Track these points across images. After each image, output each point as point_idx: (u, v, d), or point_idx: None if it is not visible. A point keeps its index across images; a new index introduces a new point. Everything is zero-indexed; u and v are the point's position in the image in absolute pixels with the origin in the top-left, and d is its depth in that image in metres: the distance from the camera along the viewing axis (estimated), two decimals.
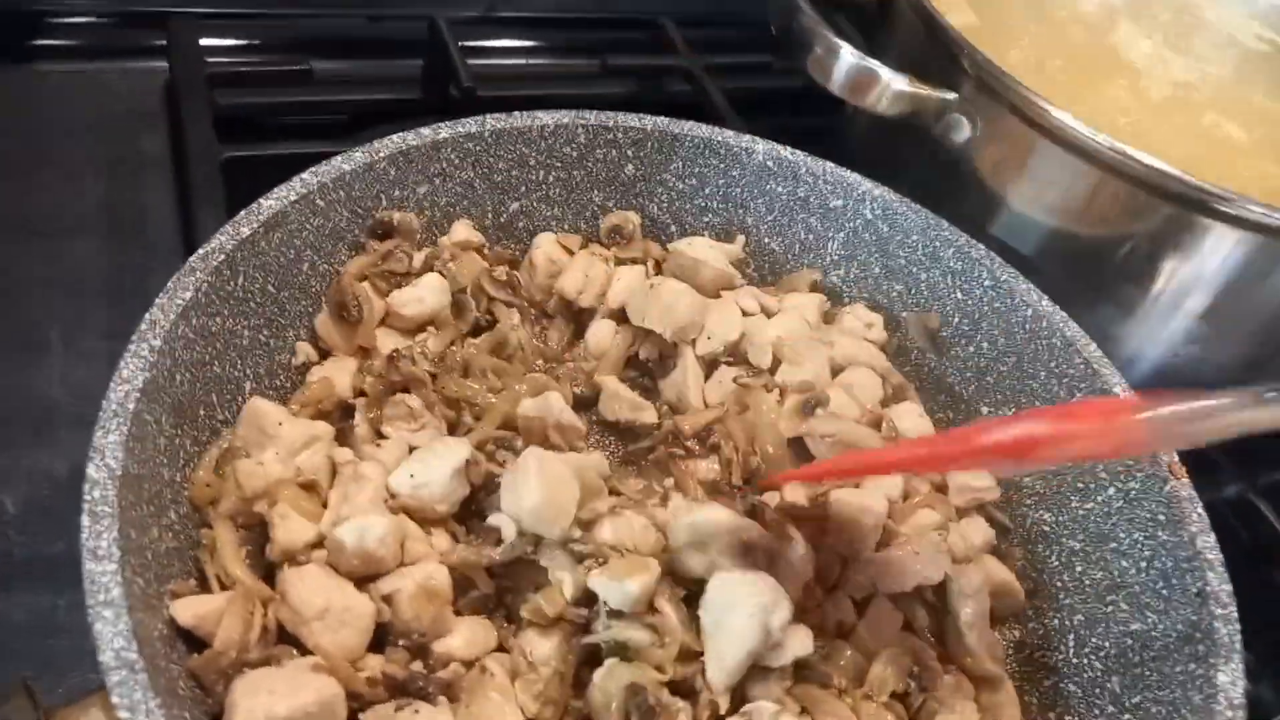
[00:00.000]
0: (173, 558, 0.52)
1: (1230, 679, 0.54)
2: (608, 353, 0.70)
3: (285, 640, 0.52)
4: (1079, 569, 0.67)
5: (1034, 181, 0.82)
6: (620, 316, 0.71)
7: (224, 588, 0.53)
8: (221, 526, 0.55)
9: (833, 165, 0.79)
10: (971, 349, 0.76)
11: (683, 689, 0.52)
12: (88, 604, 0.44)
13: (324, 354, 0.67)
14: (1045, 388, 0.72)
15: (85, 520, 0.46)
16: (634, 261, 0.74)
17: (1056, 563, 0.69)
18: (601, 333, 0.70)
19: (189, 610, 0.50)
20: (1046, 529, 0.70)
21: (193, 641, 0.50)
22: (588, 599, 0.54)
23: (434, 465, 0.56)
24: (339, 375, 0.64)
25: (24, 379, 0.88)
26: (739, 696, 0.53)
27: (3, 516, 0.79)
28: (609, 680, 0.51)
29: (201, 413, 0.58)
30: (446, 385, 0.64)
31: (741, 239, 0.80)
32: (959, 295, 0.76)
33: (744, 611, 0.51)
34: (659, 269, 0.75)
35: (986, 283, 0.75)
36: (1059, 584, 0.68)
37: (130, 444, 0.49)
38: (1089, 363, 0.69)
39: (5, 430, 0.85)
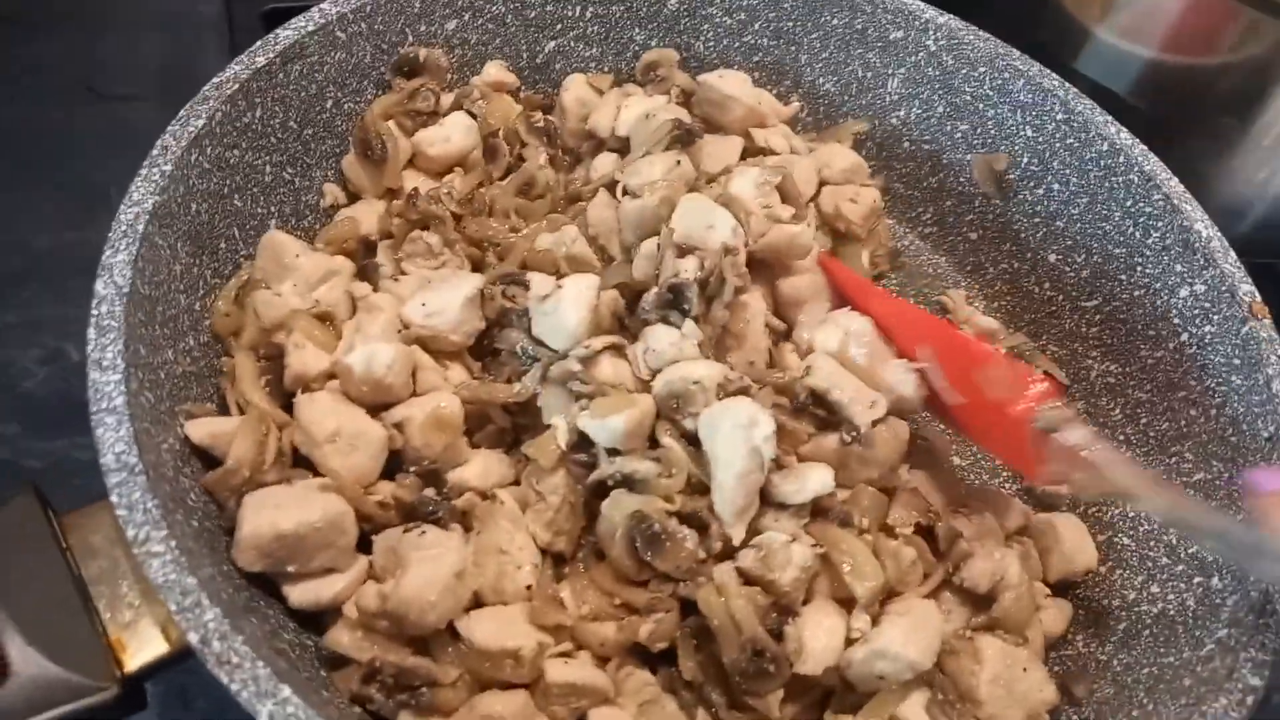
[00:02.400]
0: (190, 381, 0.53)
1: None
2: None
3: (300, 466, 0.53)
4: (1144, 420, 0.62)
5: (1130, 4, 0.74)
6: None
7: (243, 414, 0.53)
8: (242, 355, 0.55)
9: None
10: (1040, 191, 0.70)
11: (694, 522, 0.50)
12: (91, 411, 0.44)
13: (353, 197, 0.66)
14: (1119, 230, 0.66)
15: (91, 333, 0.46)
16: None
17: (1120, 415, 0.64)
18: (604, 165, 0.66)
19: (204, 429, 0.50)
20: (1112, 380, 0.65)
21: (211, 463, 0.51)
22: (587, 441, 0.52)
23: (446, 295, 0.55)
24: (365, 215, 0.63)
25: (84, 233, 0.91)
26: (753, 532, 0.51)
27: (68, 363, 0.83)
28: (614, 509, 0.50)
29: (223, 245, 0.58)
30: (469, 225, 0.62)
31: (796, 104, 0.75)
32: (1029, 132, 0.70)
33: (724, 435, 0.49)
34: (687, 103, 0.70)
35: (1059, 116, 0.68)
36: (1121, 437, 0.63)
37: (140, 265, 0.50)
38: (1169, 198, 0.63)
39: (71, 281, 0.89)
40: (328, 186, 0.65)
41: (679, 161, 0.59)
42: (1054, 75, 0.69)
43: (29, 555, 0.41)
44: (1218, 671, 0.46)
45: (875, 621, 0.50)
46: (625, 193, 0.59)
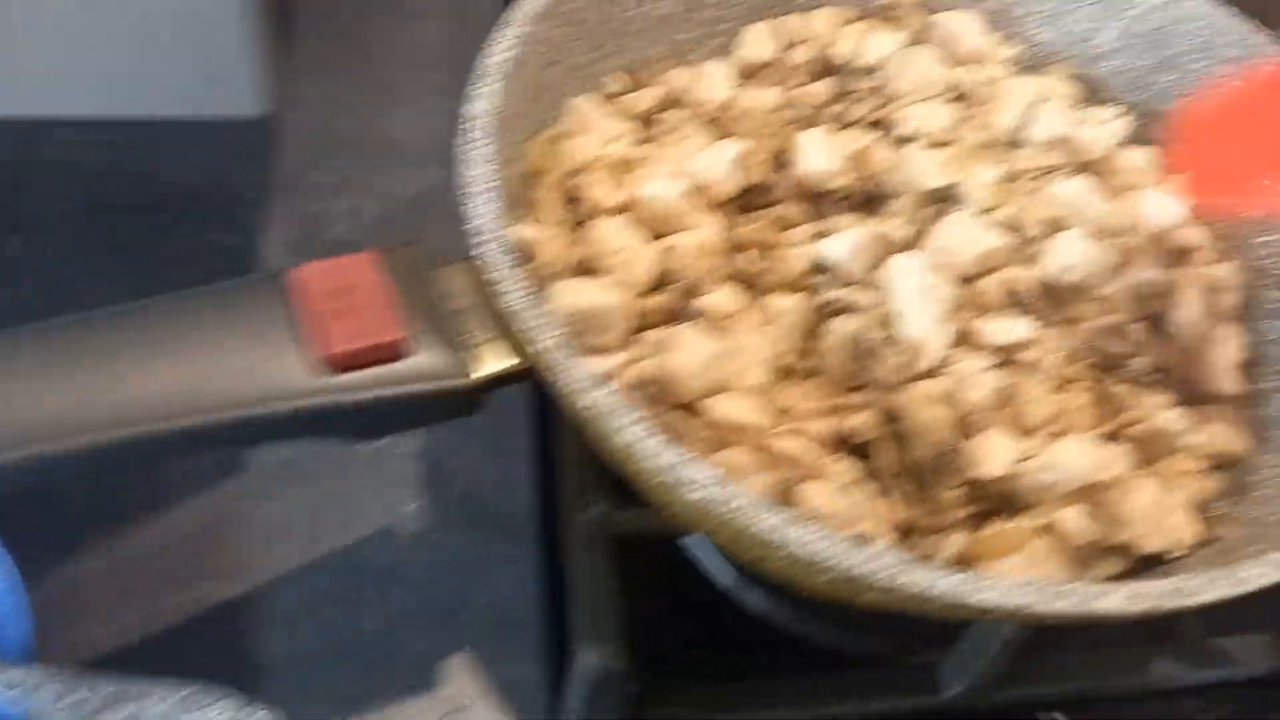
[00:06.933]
0: (510, 201, 0.68)
1: None
2: None
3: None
4: None
5: None
6: None
7: None
8: (547, 190, 0.70)
9: None
10: None
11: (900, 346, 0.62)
12: (465, 190, 0.60)
13: (638, 85, 0.80)
14: None
15: (476, 134, 0.62)
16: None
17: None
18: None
19: (524, 232, 0.66)
20: None
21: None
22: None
23: (718, 152, 0.69)
24: (645, 98, 0.77)
25: (379, 122, 1.11)
26: (947, 364, 0.62)
27: (364, 218, 1.03)
28: (841, 325, 0.63)
29: (546, 98, 0.73)
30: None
31: (1022, 46, 0.84)
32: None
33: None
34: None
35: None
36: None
37: (507, 87, 0.65)
38: None
39: (365, 158, 1.09)
40: (615, 75, 0.80)
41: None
42: (1262, 33, 0.76)
43: (426, 282, 0.57)
44: None
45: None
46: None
